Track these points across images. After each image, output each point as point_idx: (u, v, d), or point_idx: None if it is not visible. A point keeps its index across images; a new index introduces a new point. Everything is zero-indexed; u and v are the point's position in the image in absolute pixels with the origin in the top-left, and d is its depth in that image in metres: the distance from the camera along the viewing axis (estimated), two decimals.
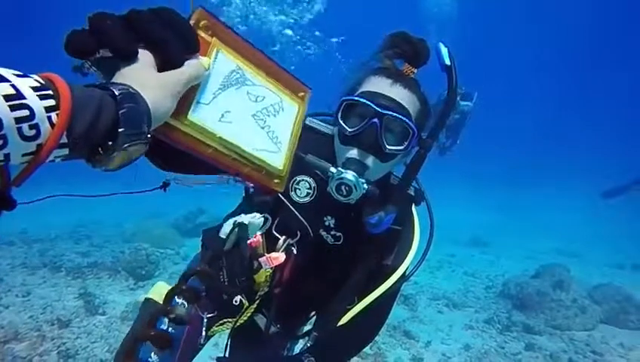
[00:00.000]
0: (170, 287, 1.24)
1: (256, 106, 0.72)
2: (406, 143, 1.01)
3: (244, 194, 1.26)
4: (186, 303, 0.63)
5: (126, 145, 0.46)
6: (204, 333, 1.19)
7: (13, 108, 0.36)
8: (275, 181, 0.77)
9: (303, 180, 1.16)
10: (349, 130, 1.01)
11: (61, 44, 0.50)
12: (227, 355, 1.28)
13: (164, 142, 0.60)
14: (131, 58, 0.53)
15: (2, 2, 20.40)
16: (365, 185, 1.00)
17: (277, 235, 1.12)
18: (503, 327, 4.56)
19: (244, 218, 0.87)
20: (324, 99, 1.15)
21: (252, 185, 1.15)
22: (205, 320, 1.20)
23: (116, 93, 0.46)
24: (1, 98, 0.36)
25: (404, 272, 1.15)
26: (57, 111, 0.40)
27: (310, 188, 1.15)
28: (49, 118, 0.39)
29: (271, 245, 1.09)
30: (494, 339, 4.31)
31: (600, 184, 9.33)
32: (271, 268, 0.94)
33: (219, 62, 0.65)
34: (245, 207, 1.11)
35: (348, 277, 1.18)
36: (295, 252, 1.13)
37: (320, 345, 1.20)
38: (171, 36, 0.56)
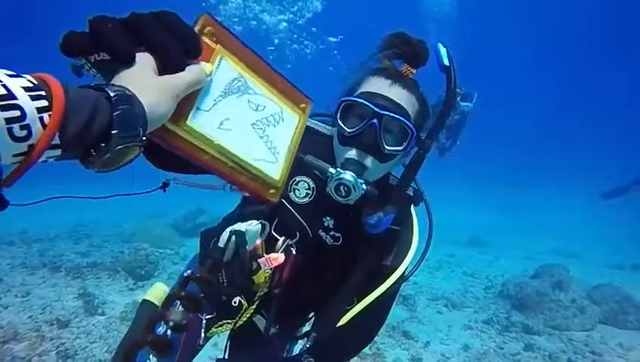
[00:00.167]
0: (167, 289, 1.24)
1: (256, 115, 0.72)
2: (405, 144, 1.01)
3: (242, 196, 1.26)
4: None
5: (119, 147, 0.46)
6: (203, 334, 1.19)
7: (3, 108, 0.36)
8: (271, 191, 0.76)
9: (302, 181, 1.16)
10: (348, 130, 1.01)
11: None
12: (226, 356, 1.29)
13: None
14: (130, 61, 0.53)
15: (2, 2, 20.39)
16: (364, 186, 1.00)
17: (276, 236, 1.12)
18: (502, 328, 4.56)
19: (240, 226, 0.87)
20: (322, 97, 1.15)
21: (247, 194, 1.15)
22: (204, 321, 1.20)
23: (111, 94, 0.45)
24: None
25: (404, 272, 1.15)
26: (50, 112, 0.40)
27: (309, 189, 1.16)
28: (41, 118, 0.39)
29: (270, 246, 1.09)
30: (493, 340, 4.31)
31: (600, 184, 9.34)
32: (270, 269, 0.94)
33: (222, 69, 0.65)
34: (242, 211, 1.11)
35: (347, 277, 1.18)
36: (294, 252, 1.13)
37: (319, 345, 1.20)
38: (172, 41, 0.56)
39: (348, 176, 0.98)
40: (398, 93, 1.01)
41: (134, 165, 0.54)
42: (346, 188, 0.99)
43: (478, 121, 6.28)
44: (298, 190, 1.16)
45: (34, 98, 0.39)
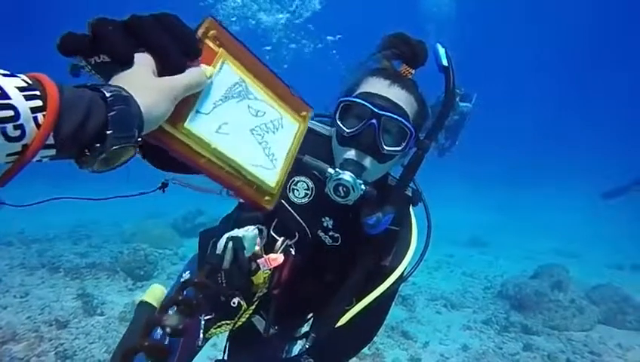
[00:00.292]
0: (165, 290, 1.24)
1: (255, 121, 0.71)
2: (404, 144, 1.01)
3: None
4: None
5: (114, 148, 0.46)
6: (201, 335, 1.19)
7: None
8: (266, 198, 0.75)
9: (300, 181, 1.16)
10: (347, 130, 1.01)
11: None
12: (226, 357, 1.29)
13: None
14: (130, 63, 0.53)
15: (2, 2, 20.37)
16: (363, 186, 1.00)
17: (275, 236, 1.12)
18: (501, 328, 4.57)
19: (237, 232, 0.86)
20: (320, 97, 1.15)
21: (242, 200, 1.14)
22: (203, 322, 1.20)
23: (107, 95, 0.45)
24: None
25: (402, 273, 1.15)
26: (44, 112, 0.39)
27: (308, 189, 1.15)
28: (35, 118, 0.39)
29: (269, 246, 1.09)
30: (492, 340, 4.31)
31: (600, 184, 9.34)
32: (269, 270, 0.94)
33: (223, 73, 0.65)
34: (237, 217, 1.10)
35: (346, 278, 1.17)
36: (293, 253, 1.13)
37: (318, 346, 1.20)
38: (172, 43, 0.56)
39: (347, 176, 0.98)
40: (396, 94, 1.01)
41: (130, 165, 0.53)
42: (344, 189, 0.99)
43: (478, 121, 6.29)
44: (297, 190, 1.16)
45: (28, 98, 0.39)
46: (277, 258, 0.93)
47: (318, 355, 1.17)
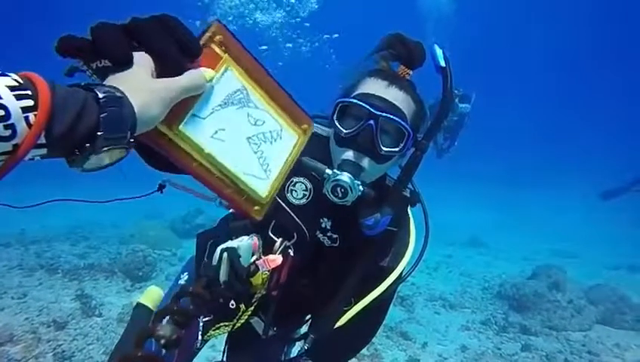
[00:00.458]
0: (162, 292, 1.23)
1: (253, 130, 0.70)
2: (401, 145, 1.02)
3: None
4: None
5: (105, 149, 0.46)
6: (200, 337, 1.19)
7: None
8: (255, 208, 0.74)
9: (299, 182, 1.16)
10: (345, 131, 1.01)
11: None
12: (225, 359, 1.28)
13: None
14: (129, 64, 0.53)
15: (2, 2, 20.31)
16: (361, 187, 1.00)
17: (273, 237, 1.12)
18: (499, 328, 4.57)
19: (231, 243, 0.86)
20: (317, 95, 1.15)
21: (232, 209, 1.14)
22: (201, 324, 1.19)
23: (100, 95, 0.45)
24: None
25: (401, 273, 1.15)
26: (36, 112, 0.39)
27: (306, 190, 1.16)
28: (26, 118, 0.39)
29: (267, 247, 1.09)
30: (491, 340, 4.32)
31: (599, 185, 9.35)
32: (268, 271, 0.94)
33: (225, 79, 0.64)
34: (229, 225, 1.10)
35: (345, 278, 1.18)
36: (292, 254, 1.13)
37: (317, 347, 1.20)
38: (171, 45, 0.56)
39: (344, 177, 0.98)
40: (394, 95, 1.01)
41: (128, 166, 0.53)
42: (342, 190, 0.99)
43: (478, 121, 6.30)
44: (295, 191, 1.16)
45: (19, 97, 0.39)
46: (275, 259, 0.93)
47: (317, 356, 1.17)
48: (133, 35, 0.54)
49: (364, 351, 3.34)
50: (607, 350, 4.19)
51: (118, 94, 0.47)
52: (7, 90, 0.38)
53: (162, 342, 0.54)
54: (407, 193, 1.17)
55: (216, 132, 0.65)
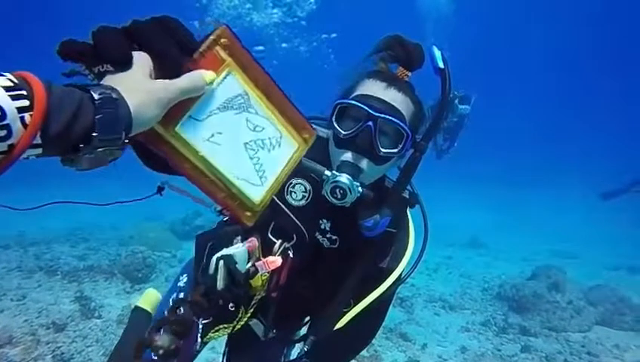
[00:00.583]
0: (159, 295, 1.23)
1: (251, 135, 0.70)
2: (400, 146, 1.02)
3: None
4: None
5: (99, 150, 0.46)
6: (199, 340, 1.18)
7: None
8: (247, 214, 0.73)
9: (298, 183, 1.16)
10: (344, 133, 1.01)
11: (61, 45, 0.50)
12: (225, 361, 1.28)
13: None
14: (129, 65, 0.53)
15: (2, 2, 20.32)
16: (360, 189, 1.00)
17: (273, 239, 1.12)
18: (499, 329, 4.57)
19: (227, 251, 0.86)
20: (315, 94, 1.15)
21: (225, 215, 1.14)
22: (201, 326, 1.19)
23: (95, 96, 0.45)
24: None
25: (400, 274, 1.15)
26: (31, 113, 0.39)
27: (306, 192, 1.16)
28: (22, 118, 0.39)
29: (267, 249, 1.09)
30: (491, 341, 4.32)
31: (598, 185, 9.36)
32: (267, 273, 0.94)
33: (227, 83, 0.64)
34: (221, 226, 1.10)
35: (344, 280, 1.18)
36: (291, 255, 1.13)
37: (317, 348, 1.20)
38: (172, 46, 0.56)
39: (343, 178, 0.98)
40: (393, 96, 1.01)
41: (128, 165, 0.54)
42: (341, 191, 0.99)
43: (477, 122, 6.30)
44: (294, 193, 1.16)
45: (14, 98, 0.39)
46: (275, 260, 0.93)
47: (316, 358, 1.17)
48: (134, 37, 0.54)
49: (363, 352, 3.33)
50: (607, 351, 4.19)
51: (114, 95, 0.48)
52: (2, 90, 0.38)
53: (160, 352, 0.54)
54: (406, 194, 1.17)
55: (212, 135, 0.64)
